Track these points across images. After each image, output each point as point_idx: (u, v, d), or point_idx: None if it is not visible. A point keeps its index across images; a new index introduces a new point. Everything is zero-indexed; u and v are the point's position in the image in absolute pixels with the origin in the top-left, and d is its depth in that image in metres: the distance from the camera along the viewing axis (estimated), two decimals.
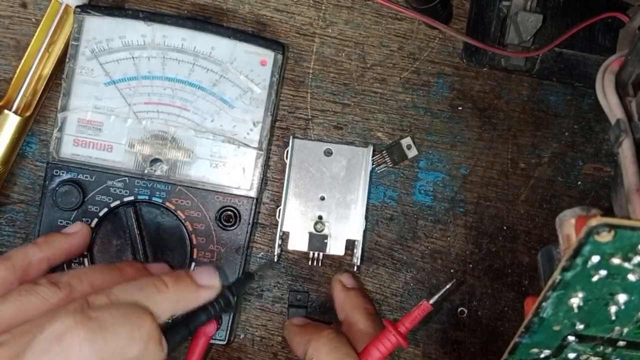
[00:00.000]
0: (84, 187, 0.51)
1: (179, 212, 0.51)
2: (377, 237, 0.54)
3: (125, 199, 0.51)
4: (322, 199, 0.53)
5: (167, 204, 0.51)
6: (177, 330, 0.42)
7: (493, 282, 0.55)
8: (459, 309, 0.55)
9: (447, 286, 0.47)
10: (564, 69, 0.54)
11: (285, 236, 0.54)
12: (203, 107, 0.51)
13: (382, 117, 0.54)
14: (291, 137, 0.54)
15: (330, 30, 0.54)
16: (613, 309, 0.35)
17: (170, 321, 0.41)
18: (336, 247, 0.54)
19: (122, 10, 0.51)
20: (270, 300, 0.54)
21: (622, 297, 0.35)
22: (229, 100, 0.51)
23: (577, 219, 0.36)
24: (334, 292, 0.52)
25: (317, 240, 0.53)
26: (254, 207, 0.52)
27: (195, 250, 0.51)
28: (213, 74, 0.51)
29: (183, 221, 0.51)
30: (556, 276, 0.33)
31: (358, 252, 0.53)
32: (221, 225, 0.51)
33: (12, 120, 0.51)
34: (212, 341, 0.51)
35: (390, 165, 0.54)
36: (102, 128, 0.51)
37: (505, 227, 0.55)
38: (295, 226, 0.53)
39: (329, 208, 0.53)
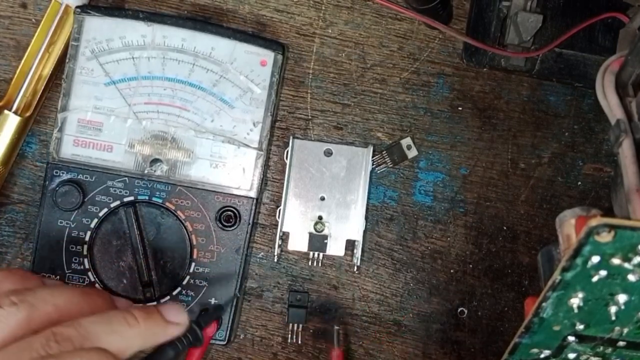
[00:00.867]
0: (84, 188, 0.51)
1: (179, 212, 0.51)
2: (377, 237, 0.54)
3: (125, 199, 0.51)
4: (322, 199, 0.53)
5: (167, 204, 0.51)
6: None
7: (493, 283, 0.55)
8: (459, 309, 0.55)
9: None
10: (564, 69, 0.54)
11: (285, 236, 0.54)
12: (203, 107, 0.51)
13: (382, 118, 0.54)
14: (291, 137, 0.54)
15: (330, 31, 0.54)
16: (613, 309, 0.35)
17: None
18: (336, 248, 0.54)
19: (122, 11, 0.52)
20: (270, 301, 0.54)
21: (622, 298, 0.35)
22: (229, 101, 0.51)
23: (577, 219, 0.36)
24: None
25: (317, 240, 0.53)
26: (254, 208, 0.52)
27: (195, 251, 0.51)
28: (213, 74, 0.51)
29: (183, 221, 0.51)
30: (556, 276, 0.33)
31: (358, 252, 0.53)
32: (221, 226, 0.51)
33: (12, 121, 0.51)
34: (212, 341, 0.51)
35: (390, 165, 0.54)
36: (102, 128, 0.51)
37: (505, 228, 0.55)
38: (295, 226, 0.53)
39: (329, 208, 0.53)
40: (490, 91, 0.55)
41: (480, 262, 0.55)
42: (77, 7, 0.51)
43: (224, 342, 0.52)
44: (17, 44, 0.54)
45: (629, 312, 0.35)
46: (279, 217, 0.53)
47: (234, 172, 0.52)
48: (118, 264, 0.51)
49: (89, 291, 0.43)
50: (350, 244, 0.54)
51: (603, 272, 0.33)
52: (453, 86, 0.55)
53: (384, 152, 0.54)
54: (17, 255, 0.54)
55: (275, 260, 0.54)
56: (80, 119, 0.51)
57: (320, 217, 0.53)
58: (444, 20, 0.53)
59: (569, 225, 0.36)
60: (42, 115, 0.54)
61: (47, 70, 0.52)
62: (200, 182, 0.52)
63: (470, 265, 0.55)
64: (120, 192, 0.51)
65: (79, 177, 0.51)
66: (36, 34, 0.51)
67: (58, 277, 0.51)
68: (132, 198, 0.51)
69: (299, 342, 0.54)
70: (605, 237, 0.31)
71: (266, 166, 0.53)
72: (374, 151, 0.54)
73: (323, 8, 0.54)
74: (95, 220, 0.51)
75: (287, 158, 0.53)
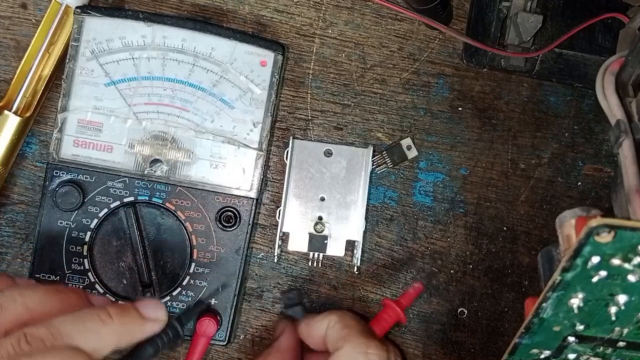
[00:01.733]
0: (84, 188, 0.51)
1: (179, 212, 0.51)
2: (377, 237, 0.54)
3: (125, 200, 0.51)
4: (322, 199, 0.53)
5: (167, 204, 0.51)
6: None
7: (493, 283, 0.55)
8: (459, 310, 0.55)
9: None
10: (564, 70, 0.54)
11: (285, 237, 0.54)
12: (203, 107, 0.51)
13: (382, 118, 0.54)
14: (291, 137, 0.54)
15: (330, 31, 0.54)
16: (613, 309, 0.35)
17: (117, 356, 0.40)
18: (336, 248, 0.54)
19: (122, 11, 0.52)
20: (270, 301, 0.54)
21: (622, 298, 0.35)
22: (229, 101, 0.51)
23: (577, 219, 0.36)
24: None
25: (317, 241, 0.53)
26: (254, 208, 0.52)
27: (195, 251, 0.51)
28: (213, 74, 0.51)
29: (183, 222, 0.51)
30: (556, 277, 0.33)
31: (358, 252, 0.53)
32: (221, 226, 0.51)
33: (12, 121, 0.51)
34: (212, 342, 0.51)
35: (390, 165, 0.54)
36: (102, 129, 0.51)
37: (505, 228, 0.55)
38: (295, 227, 0.53)
39: (329, 209, 0.53)
40: (490, 91, 0.55)
41: (480, 262, 0.55)
42: (77, 7, 0.51)
43: (224, 343, 0.52)
44: (17, 44, 0.54)
45: (629, 312, 0.35)
46: (279, 217, 0.53)
47: (234, 172, 0.52)
48: (118, 264, 0.51)
49: (61, 289, 0.41)
50: (350, 245, 0.54)
51: (603, 273, 0.33)
52: (453, 86, 0.55)
53: (384, 152, 0.54)
54: (17, 255, 0.54)
55: (275, 260, 0.54)
56: (80, 120, 0.51)
57: (320, 218, 0.53)
58: (444, 21, 0.53)
59: (569, 226, 0.36)
60: (42, 116, 0.53)
61: (47, 70, 0.52)
62: (200, 183, 0.52)
63: (470, 266, 0.55)
64: (120, 192, 0.51)
65: (79, 177, 0.51)
66: (36, 34, 0.51)
67: (58, 277, 0.51)
68: (132, 198, 0.51)
69: None
70: (605, 237, 0.31)
71: (266, 166, 0.53)
72: (374, 151, 0.54)
73: (323, 8, 0.54)
74: (95, 220, 0.51)
75: (287, 158, 0.53)
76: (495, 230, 0.55)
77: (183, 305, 0.51)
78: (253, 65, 0.52)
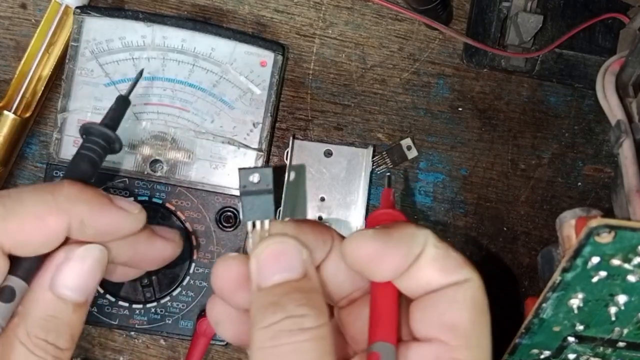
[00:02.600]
0: None
1: (178, 212, 0.51)
2: None
3: None
4: (322, 199, 0.53)
5: (167, 204, 0.51)
6: None
7: (493, 283, 0.54)
8: None
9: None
10: (564, 70, 0.54)
11: None
12: (203, 108, 0.51)
13: (382, 118, 0.54)
14: (291, 138, 0.54)
15: (330, 31, 0.54)
16: (613, 309, 0.35)
17: None
18: None
19: (121, 11, 0.51)
20: None
21: (622, 298, 0.35)
22: (229, 101, 0.51)
23: (577, 220, 0.36)
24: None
25: None
26: None
27: (195, 251, 0.51)
28: (213, 74, 0.51)
29: (183, 222, 0.51)
30: (556, 277, 0.33)
31: None
32: (221, 226, 0.51)
33: (12, 121, 0.51)
34: (212, 342, 0.51)
35: (390, 166, 0.54)
36: None
37: (505, 228, 0.55)
38: None
39: (329, 209, 0.53)
40: (491, 92, 0.55)
41: (480, 263, 0.55)
42: (76, 7, 0.51)
43: (224, 343, 0.52)
44: (16, 44, 0.54)
45: (629, 312, 0.35)
46: (279, 218, 0.53)
47: (234, 172, 0.52)
48: None
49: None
50: None
51: (603, 273, 0.33)
52: (453, 87, 0.55)
53: (384, 152, 0.54)
54: None
55: None
56: (80, 120, 0.51)
57: (320, 218, 0.53)
58: (444, 21, 0.53)
59: (569, 226, 0.36)
60: (42, 116, 0.53)
61: (47, 71, 0.52)
62: (200, 183, 0.52)
63: None
64: (120, 192, 0.51)
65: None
66: (36, 34, 0.51)
67: None
68: (132, 199, 0.51)
69: None
70: (605, 237, 0.31)
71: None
72: (374, 152, 0.54)
73: (323, 9, 0.54)
74: None
75: (287, 159, 0.53)
76: (495, 231, 0.55)
77: (183, 306, 0.51)
78: (253, 66, 0.52)
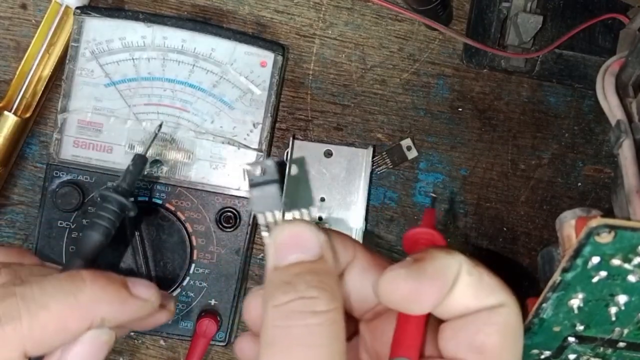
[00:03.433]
0: (84, 189, 0.51)
1: (178, 213, 0.51)
2: (377, 238, 0.54)
3: None
4: (322, 200, 0.53)
5: (167, 205, 0.51)
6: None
7: None
8: None
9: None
10: (564, 70, 0.54)
11: None
12: (203, 108, 0.51)
13: (382, 119, 0.54)
14: (291, 138, 0.54)
15: (330, 32, 0.54)
16: (613, 310, 0.35)
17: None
18: None
19: (122, 12, 0.52)
20: None
21: (622, 298, 0.35)
22: (229, 102, 0.51)
23: (577, 220, 0.36)
24: None
25: None
26: None
27: (195, 252, 0.51)
28: (213, 75, 0.51)
29: (183, 222, 0.51)
30: (556, 277, 0.33)
31: None
32: (221, 227, 0.51)
33: (12, 122, 0.51)
34: (212, 342, 0.51)
35: (390, 166, 0.54)
36: (102, 129, 0.51)
37: (505, 229, 0.55)
38: None
39: (329, 209, 0.53)
40: (490, 92, 0.55)
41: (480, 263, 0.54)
42: (77, 8, 0.51)
43: (224, 344, 0.52)
44: (17, 45, 0.54)
45: (629, 313, 0.35)
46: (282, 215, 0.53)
47: (234, 173, 0.52)
48: (118, 265, 0.51)
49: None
50: None
51: (603, 273, 0.33)
52: (453, 87, 0.55)
53: (384, 153, 0.54)
54: None
55: None
56: (80, 120, 0.51)
57: (320, 218, 0.53)
58: (444, 22, 0.53)
59: (569, 226, 0.36)
60: (42, 117, 0.53)
61: (47, 71, 0.52)
62: (200, 183, 0.52)
63: None
64: None
65: (79, 178, 0.51)
66: (36, 35, 0.51)
67: None
68: (132, 199, 0.51)
69: None
70: (605, 238, 0.31)
71: None
72: (374, 152, 0.54)
73: (323, 9, 0.54)
74: None
75: (287, 159, 0.53)
76: (495, 231, 0.55)
77: (183, 307, 0.51)
78: (253, 66, 0.52)
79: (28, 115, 0.51)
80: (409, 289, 0.29)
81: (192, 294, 0.51)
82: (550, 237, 0.54)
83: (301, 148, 0.54)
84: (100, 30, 0.51)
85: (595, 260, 0.32)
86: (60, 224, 0.51)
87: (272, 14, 0.54)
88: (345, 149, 0.54)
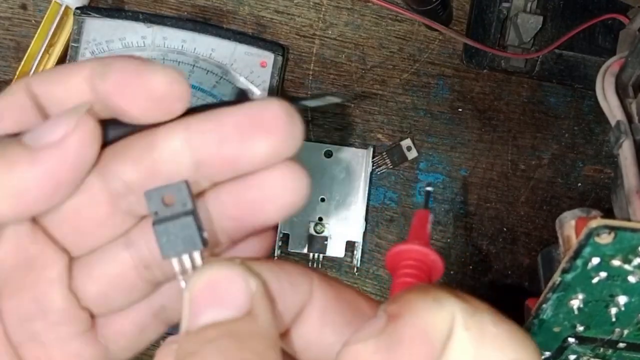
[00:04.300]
0: None
1: None
2: (377, 238, 0.54)
3: None
4: (322, 200, 0.53)
5: None
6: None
7: (493, 284, 0.55)
8: None
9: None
10: (564, 71, 0.54)
11: (285, 238, 0.53)
12: None
13: (382, 119, 0.54)
14: None
15: (330, 32, 0.54)
16: (613, 310, 0.35)
17: None
18: (336, 249, 0.53)
19: (122, 12, 0.51)
20: None
21: (622, 299, 0.35)
22: None
23: (577, 220, 0.36)
24: None
25: (317, 241, 0.53)
26: None
27: None
28: (213, 75, 0.51)
29: None
30: (556, 278, 0.33)
31: (358, 253, 0.53)
32: None
33: None
34: None
35: (390, 166, 0.54)
36: None
37: (505, 229, 0.55)
38: (295, 228, 0.53)
39: (329, 210, 0.53)
40: (490, 92, 0.55)
41: (480, 263, 0.55)
42: (77, 8, 0.51)
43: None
44: (17, 45, 0.54)
45: (629, 313, 0.35)
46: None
47: None
48: None
49: None
50: (350, 245, 0.54)
51: (603, 274, 0.33)
52: (453, 87, 0.55)
53: (384, 153, 0.54)
54: None
55: None
56: None
57: (320, 219, 0.53)
58: (444, 22, 0.53)
59: (569, 227, 0.36)
60: None
61: None
62: None
63: (470, 267, 0.54)
64: None
65: None
66: (36, 35, 0.51)
67: None
68: None
69: None
70: (605, 238, 0.31)
71: None
72: (374, 152, 0.54)
73: (323, 9, 0.54)
74: None
75: None
76: (495, 231, 0.55)
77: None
78: (253, 67, 0.52)
79: None
80: None
81: None
82: (550, 238, 0.54)
83: (301, 148, 0.54)
84: (100, 30, 0.51)
85: (595, 261, 0.32)
86: None
87: (272, 14, 0.54)
88: (345, 150, 0.54)
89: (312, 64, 0.54)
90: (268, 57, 0.52)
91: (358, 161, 0.54)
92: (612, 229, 0.31)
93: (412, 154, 0.54)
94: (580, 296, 0.34)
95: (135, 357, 0.32)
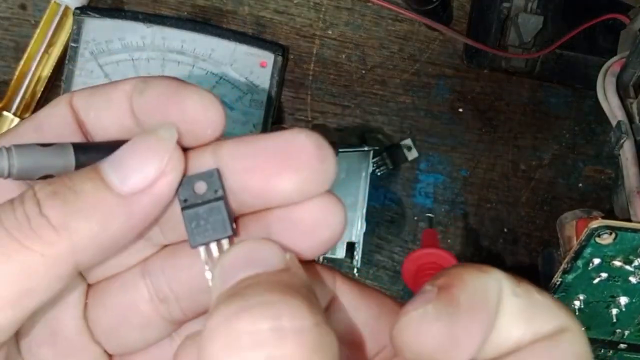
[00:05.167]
0: None
1: None
2: (377, 239, 0.54)
3: None
4: None
5: None
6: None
7: None
8: None
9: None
10: (565, 71, 0.53)
11: None
12: None
13: (382, 119, 0.54)
14: None
15: (330, 32, 0.54)
16: (614, 311, 0.35)
17: None
18: (336, 250, 0.53)
19: (121, 12, 0.51)
20: None
21: (623, 300, 0.34)
22: (229, 103, 0.51)
23: (578, 221, 0.36)
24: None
25: None
26: None
27: None
28: (213, 75, 0.51)
29: None
30: (557, 278, 0.33)
31: (358, 254, 0.53)
32: None
33: (12, 122, 0.51)
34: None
35: (391, 167, 0.54)
36: None
37: (505, 229, 0.55)
38: None
39: None
40: (491, 93, 0.55)
41: (480, 264, 0.54)
42: (76, 8, 0.51)
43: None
44: (16, 45, 0.53)
45: (630, 314, 0.35)
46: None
47: None
48: None
49: None
50: (350, 246, 0.54)
51: (604, 274, 0.33)
52: (453, 88, 0.54)
53: (385, 153, 0.54)
54: None
55: None
56: None
57: None
58: (445, 22, 0.53)
59: (569, 227, 0.36)
60: None
61: (47, 71, 0.51)
62: None
63: None
64: None
65: None
66: (35, 35, 0.51)
67: None
68: None
69: None
70: (606, 239, 0.31)
71: None
72: (374, 153, 0.53)
73: (323, 9, 0.54)
74: None
75: None
76: (495, 232, 0.55)
77: None
78: (253, 67, 0.51)
79: (27, 115, 0.51)
80: (442, 334, 0.20)
81: None
82: (551, 239, 0.54)
83: None
84: (100, 30, 0.51)
85: (596, 261, 0.32)
86: None
87: (272, 14, 0.54)
88: (345, 150, 0.54)
89: (312, 64, 0.54)
90: (268, 57, 0.51)
91: (358, 161, 0.54)
92: (613, 229, 0.31)
93: (413, 155, 0.54)
94: (581, 297, 0.34)
95: None
